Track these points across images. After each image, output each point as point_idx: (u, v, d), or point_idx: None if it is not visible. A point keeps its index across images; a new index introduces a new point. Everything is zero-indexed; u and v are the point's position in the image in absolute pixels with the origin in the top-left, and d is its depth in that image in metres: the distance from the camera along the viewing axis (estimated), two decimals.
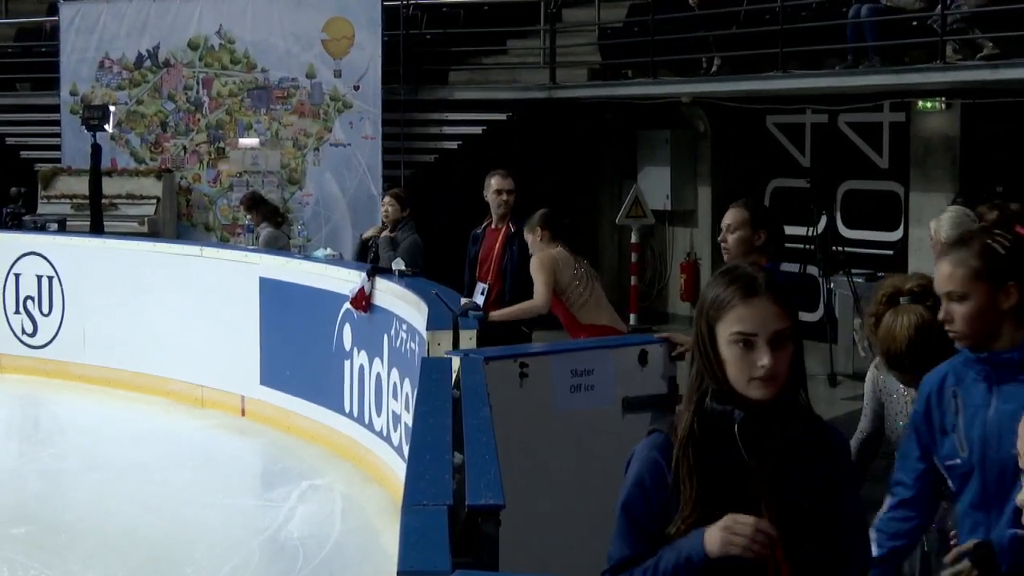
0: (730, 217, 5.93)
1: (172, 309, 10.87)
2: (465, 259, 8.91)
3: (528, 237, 7.82)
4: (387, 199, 10.39)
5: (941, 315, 3.41)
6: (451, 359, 5.51)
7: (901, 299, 3.85)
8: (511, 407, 5.08)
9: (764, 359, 2.72)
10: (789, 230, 13.69)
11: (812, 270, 12.49)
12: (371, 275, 8.72)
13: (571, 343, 6.96)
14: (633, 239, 15.11)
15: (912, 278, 3.92)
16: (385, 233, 10.09)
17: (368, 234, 10.68)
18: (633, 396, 5.60)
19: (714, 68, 13.84)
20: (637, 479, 2.83)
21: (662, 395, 5.69)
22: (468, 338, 6.38)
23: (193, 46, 15.84)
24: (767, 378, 2.72)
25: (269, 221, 11.83)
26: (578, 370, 5.51)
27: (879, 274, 12.57)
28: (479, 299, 8.34)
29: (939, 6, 11.17)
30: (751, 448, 2.74)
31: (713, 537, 2.66)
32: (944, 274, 3.37)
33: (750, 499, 2.72)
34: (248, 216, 12.36)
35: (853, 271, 12.19)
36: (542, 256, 7.61)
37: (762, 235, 5.82)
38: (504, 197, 8.67)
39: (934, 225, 6.63)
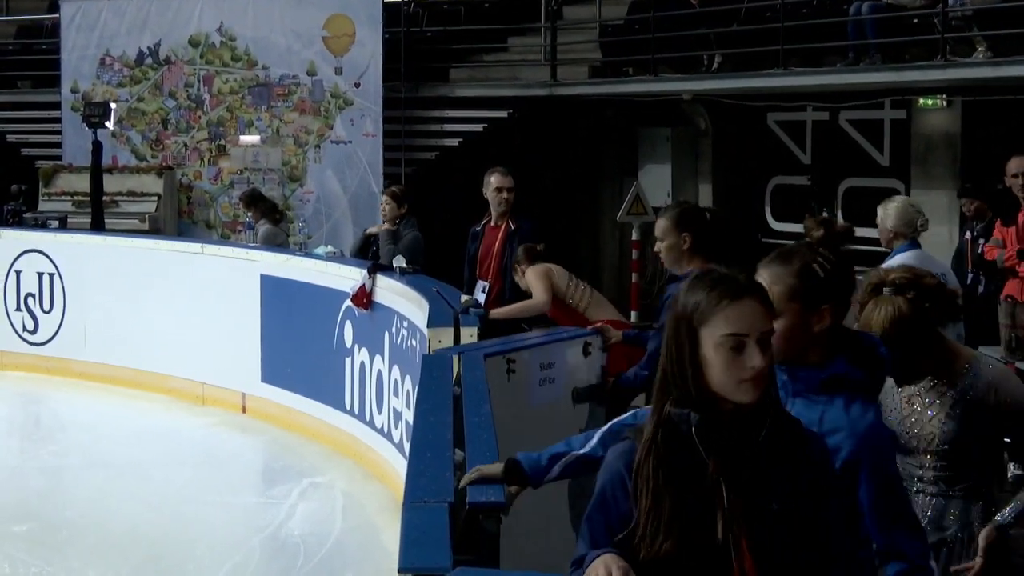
0: (656, 229, 5.92)
1: (173, 306, 10.87)
2: (465, 257, 8.91)
3: (517, 278, 7.90)
4: (384, 198, 10.38)
5: None
6: (451, 355, 5.53)
7: (884, 290, 3.82)
8: (501, 403, 5.11)
9: (755, 360, 2.67)
10: (790, 227, 13.75)
11: None
12: (372, 272, 8.73)
13: (540, 336, 6.88)
14: (634, 236, 15.06)
15: (897, 270, 3.89)
16: (386, 225, 10.08)
17: (372, 230, 10.69)
18: (580, 387, 5.76)
19: (715, 65, 13.84)
20: (600, 492, 2.81)
21: (598, 385, 5.85)
22: (469, 335, 6.38)
23: (194, 43, 15.84)
24: (757, 379, 2.68)
25: (267, 218, 11.82)
26: (544, 363, 5.62)
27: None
28: (480, 297, 8.34)
29: (940, 4, 11.16)
30: (713, 451, 2.70)
31: (591, 571, 2.64)
32: None
33: (710, 502, 2.69)
34: (248, 213, 12.36)
35: (854, 268, 12.16)
36: (534, 268, 7.72)
37: (687, 238, 5.74)
38: (504, 195, 8.66)
39: (881, 213, 6.80)
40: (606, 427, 3.50)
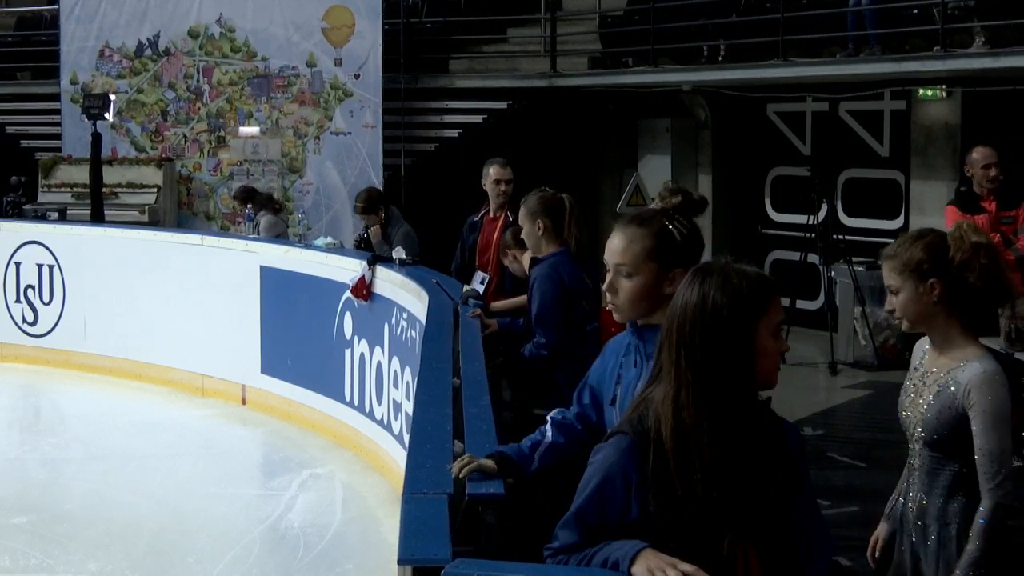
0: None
1: (173, 298, 10.87)
2: (459, 245, 8.88)
3: (508, 262, 7.66)
4: (359, 215, 10.39)
5: (605, 285, 3.46)
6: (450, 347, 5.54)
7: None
8: None
9: (786, 343, 2.81)
10: (790, 218, 13.75)
11: (813, 258, 12.49)
12: (372, 263, 8.73)
13: None
14: None
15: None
16: (377, 238, 9.97)
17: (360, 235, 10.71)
18: None
19: (720, 56, 13.81)
20: (598, 487, 2.77)
21: None
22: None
23: (193, 35, 15.83)
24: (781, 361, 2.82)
25: (267, 208, 11.78)
26: None
27: (879, 262, 12.55)
28: (479, 288, 8.33)
29: None
30: (738, 442, 2.72)
31: (640, 568, 2.61)
32: (617, 247, 3.44)
33: (715, 497, 2.69)
34: (247, 208, 12.31)
35: (854, 259, 12.19)
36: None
37: (542, 224, 6.23)
38: (502, 187, 8.65)
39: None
40: (551, 416, 3.73)
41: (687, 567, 2.57)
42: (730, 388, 2.73)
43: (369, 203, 10.18)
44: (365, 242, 10.17)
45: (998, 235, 8.35)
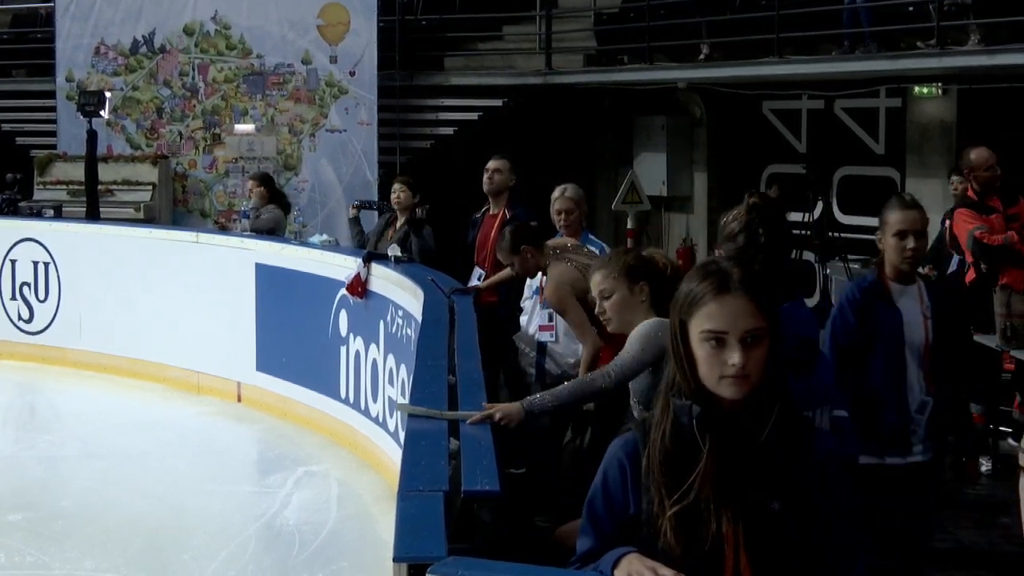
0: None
1: (168, 295, 10.87)
2: (465, 244, 8.93)
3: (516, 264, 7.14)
4: (398, 186, 10.01)
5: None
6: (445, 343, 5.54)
7: None
8: None
9: (735, 358, 2.63)
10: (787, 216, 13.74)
11: (809, 256, 12.48)
12: (367, 261, 8.73)
13: None
14: (629, 225, 15.08)
15: None
16: (402, 225, 9.83)
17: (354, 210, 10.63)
18: None
19: (715, 54, 13.81)
20: (601, 481, 2.80)
21: None
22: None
23: (189, 32, 15.81)
24: (738, 377, 2.63)
25: (278, 203, 11.56)
26: None
27: (875, 260, 12.56)
28: (476, 284, 8.36)
29: None
30: (712, 445, 2.65)
31: (621, 573, 2.60)
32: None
33: (707, 497, 2.65)
34: (250, 198, 11.96)
35: (849, 257, 12.19)
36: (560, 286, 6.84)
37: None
38: (489, 175, 8.75)
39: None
40: None
41: (667, 572, 2.55)
42: (679, 386, 2.71)
43: (415, 183, 10.09)
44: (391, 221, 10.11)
45: (1014, 232, 8.33)
